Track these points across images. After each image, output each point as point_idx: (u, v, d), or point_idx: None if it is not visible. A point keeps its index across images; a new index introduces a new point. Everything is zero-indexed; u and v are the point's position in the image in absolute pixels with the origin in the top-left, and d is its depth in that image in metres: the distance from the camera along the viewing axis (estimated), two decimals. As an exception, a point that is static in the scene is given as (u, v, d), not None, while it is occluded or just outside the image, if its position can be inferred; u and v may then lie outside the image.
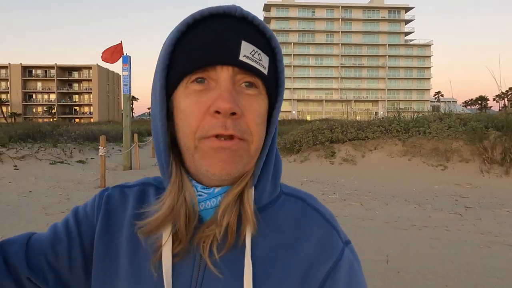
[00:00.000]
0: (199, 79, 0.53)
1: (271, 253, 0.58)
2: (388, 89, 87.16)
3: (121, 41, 11.55)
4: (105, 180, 8.64)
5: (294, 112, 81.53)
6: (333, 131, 12.22)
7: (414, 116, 12.40)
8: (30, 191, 7.73)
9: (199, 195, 0.58)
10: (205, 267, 0.57)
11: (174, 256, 0.58)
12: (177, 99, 0.55)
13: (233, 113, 0.51)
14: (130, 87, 12.13)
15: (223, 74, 0.52)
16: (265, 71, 0.54)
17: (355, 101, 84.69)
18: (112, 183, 8.57)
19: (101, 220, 0.64)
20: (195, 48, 0.53)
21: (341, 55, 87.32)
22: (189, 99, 0.53)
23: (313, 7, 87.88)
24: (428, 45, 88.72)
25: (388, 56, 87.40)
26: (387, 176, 9.82)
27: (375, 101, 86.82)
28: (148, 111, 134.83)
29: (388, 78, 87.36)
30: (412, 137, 10.98)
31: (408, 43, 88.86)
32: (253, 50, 0.53)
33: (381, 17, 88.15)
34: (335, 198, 7.59)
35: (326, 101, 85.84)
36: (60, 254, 0.62)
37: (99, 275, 0.62)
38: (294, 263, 0.57)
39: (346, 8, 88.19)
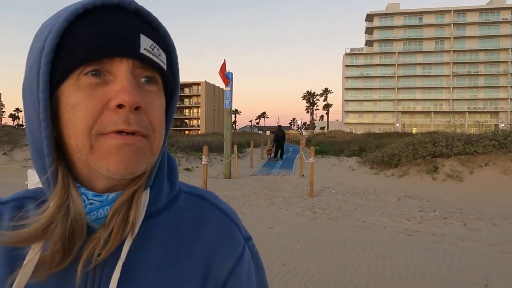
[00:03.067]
0: (94, 72, 0.48)
1: (167, 257, 0.55)
2: (511, 99, 76.96)
3: (224, 60, 12.55)
4: (207, 186, 9.44)
5: (397, 124, 77.05)
6: (436, 144, 11.41)
7: (537, 129, 10.92)
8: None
9: (90, 203, 0.51)
10: (101, 276, 0.52)
11: (52, 279, 0.51)
12: (65, 94, 0.49)
13: (138, 108, 0.49)
14: (231, 101, 13.02)
15: (123, 67, 0.49)
16: (164, 66, 0.53)
17: (469, 112, 76.63)
18: (213, 189, 9.33)
19: None
20: (89, 39, 0.48)
21: (453, 63, 80.00)
22: (82, 93, 0.48)
23: (420, 13, 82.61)
24: None
25: (511, 61, 77.39)
26: (500, 196, 8.82)
27: (495, 112, 77.34)
28: (250, 123, 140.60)
29: (511, 87, 77.20)
30: (533, 153, 9.70)
31: (537, 46, 77.52)
32: (152, 44, 0.51)
33: (503, 18, 78.58)
34: (434, 215, 7.13)
35: (435, 112, 79.29)
36: None
37: None
38: (194, 263, 0.55)
39: (459, 12, 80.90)
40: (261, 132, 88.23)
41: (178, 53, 0.58)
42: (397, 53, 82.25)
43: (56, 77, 0.49)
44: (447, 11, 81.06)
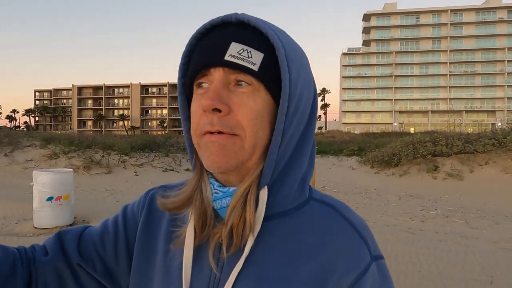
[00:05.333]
0: (201, 84, 0.58)
1: (287, 258, 0.57)
2: (508, 98, 77.26)
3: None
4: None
5: (395, 124, 77.24)
6: (436, 144, 11.48)
7: (536, 128, 11.00)
8: (147, 194, 8.86)
9: (215, 193, 0.60)
10: (223, 266, 0.59)
11: (196, 248, 0.61)
12: (191, 104, 0.61)
13: (218, 110, 0.54)
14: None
15: (215, 75, 0.56)
16: (254, 67, 0.55)
17: (466, 111, 76.90)
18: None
19: (144, 217, 0.70)
20: (196, 58, 0.58)
21: (450, 63, 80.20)
22: (195, 103, 0.59)
23: (417, 13, 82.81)
24: (560, 46, 76.61)
25: (508, 61, 77.61)
26: (500, 194, 8.89)
27: (492, 112, 77.66)
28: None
29: (508, 86, 77.45)
30: (532, 152, 9.77)
31: (533, 45, 77.87)
32: (242, 49, 0.55)
33: (499, 18, 78.88)
34: (436, 214, 7.18)
35: (432, 112, 79.55)
36: (107, 245, 0.69)
37: (137, 268, 0.67)
38: (312, 268, 0.56)
39: (455, 11, 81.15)
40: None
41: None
42: (394, 52, 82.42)
43: (188, 92, 0.62)
44: (444, 11, 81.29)
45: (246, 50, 0.55)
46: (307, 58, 0.63)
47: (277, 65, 0.56)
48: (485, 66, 79.52)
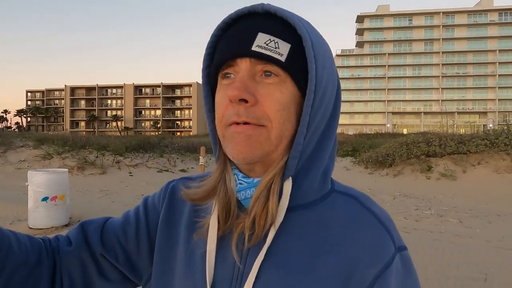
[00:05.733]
0: (227, 75, 0.58)
1: (311, 249, 0.57)
2: (499, 99, 78.15)
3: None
4: (204, 187, 9.45)
5: (388, 125, 77.72)
6: (430, 144, 11.59)
7: (527, 129, 11.15)
8: (142, 195, 8.82)
9: (239, 184, 0.60)
10: (247, 256, 0.59)
11: (219, 239, 0.61)
12: (216, 95, 0.60)
13: (245, 101, 0.54)
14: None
15: (242, 66, 0.56)
16: (282, 58, 0.55)
17: (458, 113, 77.61)
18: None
19: (165, 209, 0.71)
20: (222, 49, 0.58)
21: (442, 64, 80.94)
22: (219, 93, 0.59)
23: (410, 15, 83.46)
24: (550, 49, 77.64)
25: (499, 63, 78.52)
26: (493, 194, 9.00)
27: (483, 113, 78.46)
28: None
29: (499, 87, 78.35)
30: (524, 152, 9.91)
31: (524, 48, 78.84)
32: (269, 39, 0.55)
33: (490, 20, 79.78)
34: (430, 214, 7.26)
35: (425, 113, 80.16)
36: (129, 236, 0.70)
37: (160, 258, 0.68)
38: (338, 260, 0.56)
39: (448, 14, 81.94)
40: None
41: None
42: (387, 54, 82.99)
43: (213, 81, 0.62)
44: (436, 13, 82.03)
45: (273, 40, 0.55)
46: (331, 51, 0.63)
47: (303, 56, 0.56)
48: (476, 68, 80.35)
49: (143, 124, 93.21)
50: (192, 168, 14.20)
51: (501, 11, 79.50)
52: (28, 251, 0.64)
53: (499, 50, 78.65)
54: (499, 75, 78.26)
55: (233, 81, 0.56)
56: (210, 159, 17.43)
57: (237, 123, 0.55)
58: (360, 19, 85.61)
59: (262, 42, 0.54)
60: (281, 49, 0.55)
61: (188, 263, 0.64)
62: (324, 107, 0.58)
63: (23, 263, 0.62)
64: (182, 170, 13.51)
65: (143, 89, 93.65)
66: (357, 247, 0.57)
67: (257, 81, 0.55)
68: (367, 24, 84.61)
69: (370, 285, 0.55)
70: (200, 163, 9.69)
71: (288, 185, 0.57)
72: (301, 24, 0.56)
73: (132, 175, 11.50)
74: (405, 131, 54.34)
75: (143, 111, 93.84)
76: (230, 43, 0.57)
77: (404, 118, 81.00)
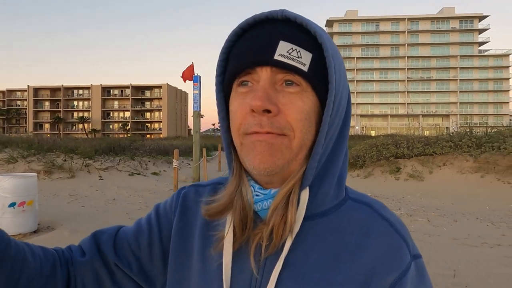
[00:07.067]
0: (244, 82, 0.56)
1: (328, 258, 0.57)
2: (460, 103, 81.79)
3: (192, 62, 12.50)
4: (178, 190, 9.33)
5: (357, 127, 79.61)
6: (398, 146, 11.99)
7: (488, 131, 11.75)
8: (114, 199, 8.62)
9: (256, 195, 0.59)
10: (264, 266, 0.59)
11: (236, 250, 0.60)
12: (231, 102, 0.59)
13: (268, 111, 0.53)
14: (199, 104, 12.97)
15: (263, 74, 0.55)
16: (304, 68, 0.54)
17: (423, 115, 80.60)
18: (184, 193, 9.24)
19: (178, 216, 0.70)
20: (239, 55, 0.56)
21: (408, 69, 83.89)
22: (236, 101, 0.57)
23: (377, 20, 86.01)
24: (505, 55, 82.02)
25: (460, 68, 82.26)
26: (457, 193, 9.42)
27: (446, 116, 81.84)
28: (213, 127, 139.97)
29: (461, 91, 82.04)
30: (485, 153, 10.43)
31: (482, 54, 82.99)
32: (291, 48, 0.54)
33: (452, 27, 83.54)
34: (400, 213, 7.49)
35: (392, 116, 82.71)
36: (142, 245, 0.69)
37: (174, 268, 0.67)
38: (355, 268, 0.56)
39: (412, 20, 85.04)
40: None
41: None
42: (355, 58, 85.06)
43: (227, 88, 0.60)
44: (402, 19, 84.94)
45: (296, 49, 0.54)
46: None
47: (322, 65, 0.56)
48: (439, 72, 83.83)
49: (111, 126, 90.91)
50: (164, 171, 14.00)
51: (462, 18, 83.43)
52: (42, 262, 0.63)
53: (460, 56, 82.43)
54: (460, 80, 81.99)
55: (251, 89, 0.56)
56: (183, 161, 17.27)
57: (258, 132, 0.54)
58: (329, 23, 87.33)
59: (284, 51, 0.53)
60: (304, 59, 0.54)
61: (204, 274, 0.63)
62: (339, 115, 0.59)
63: (38, 274, 0.62)
64: (154, 173, 13.29)
65: (111, 90, 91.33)
66: (374, 255, 0.57)
67: (278, 90, 0.55)
68: (336, 28, 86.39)
69: None
70: (173, 166, 9.58)
71: (305, 195, 0.57)
72: (322, 33, 0.56)
73: (102, 179, 11.19)
74: (373, 133, 55.89)
75: (111, 113, 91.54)
76: (249, 50, 0.55)
77: (373, 121, 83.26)
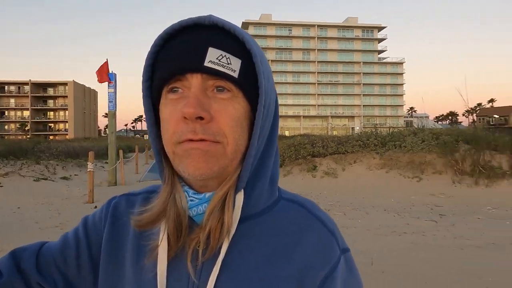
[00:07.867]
0: (174, 89, 0.56)
1: (264, 259, 0.58)
2: (363, 105, 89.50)
3: (107, 59, 11.78)
4: (94, 195, 8.73)
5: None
6: (314, 145, 12.69)
7: (390, 131, 13.04)
8: (19, 207, 7.75)
9: (190, 200, 0.59)
10: (201, 271, 0.58)
11: (171, 259, 0.59)
12: (161, 109, 0.58)
13: (201, 118, 0.53)
14: (115, 103, 12.29)
15: (193, 81, 0.54)
16: (235, 74, 0.55)
17: (332, 116, 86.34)
18: (100, 199, 8.68)
19: (108, 227, 0.67)
20: (168, 61, 0.55)
21: (318, 72, 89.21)
22: (167, 108, 0.56)
23: (290, 25, 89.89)
24: (400, 63, 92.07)
25: (363, 73, 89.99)
26: (367, 188, 10.30)
27: (351, 117, 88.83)
28: (125, 127, 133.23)
29: (363, 95, 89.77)
30: (388, 151, 11.57)
31: (381, 61, 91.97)
32: (221, 54, 0.54)
33: (355, 36, 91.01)
34: (319, 209, 7.96)
35: (304, 117, 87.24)
36: (68, 259, 0.66)
37: (106, 280, 0.65)
38: (290, 267, 0.58)
39: (321, 27, 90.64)
40: (139, 136, 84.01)
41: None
42: (270, 60, 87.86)
43: (155, 95, 0.59)
44: (312, 25, 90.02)
45: (225, 56, 0.54)
46: None
47: (252, 71, 0.57)
48: (345, 77, 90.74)
49: (6, 126, 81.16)
50: (75, 175, 12.97)
51: (364, 28, 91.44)
52: None
53: (363, 62, 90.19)
54: (363, 84, 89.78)
55: (182, 95, 0.55)
56: (96, 164, 16.14)
57: (192, 140, 0.54)
58: (245, 25, 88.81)
59: (214, 57, 0.54)
60: (233, 65, 0.55)
61: (138, 285, 0.61)
62: (269, 118, 0.60)
63: None
64: (64, 178, 12.24)
65: (6, 86, 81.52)
66: (307, 252, 0.59)
67: (210, 97, 0.55)
68: (251, 31, 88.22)
69: (320, 286, 0.58)
70: (88, 169, 8.94)
71: (240, 197, 0.58)
72: (249, 39, 0.57)
73: (2, 186, 9.98)
74: (287, 133, 58.36)
75: (6, 112, 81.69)
76: (178, 56, 0.55)
77: (287, 121, 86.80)
